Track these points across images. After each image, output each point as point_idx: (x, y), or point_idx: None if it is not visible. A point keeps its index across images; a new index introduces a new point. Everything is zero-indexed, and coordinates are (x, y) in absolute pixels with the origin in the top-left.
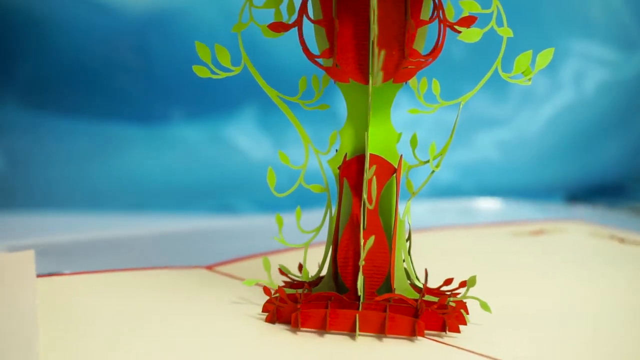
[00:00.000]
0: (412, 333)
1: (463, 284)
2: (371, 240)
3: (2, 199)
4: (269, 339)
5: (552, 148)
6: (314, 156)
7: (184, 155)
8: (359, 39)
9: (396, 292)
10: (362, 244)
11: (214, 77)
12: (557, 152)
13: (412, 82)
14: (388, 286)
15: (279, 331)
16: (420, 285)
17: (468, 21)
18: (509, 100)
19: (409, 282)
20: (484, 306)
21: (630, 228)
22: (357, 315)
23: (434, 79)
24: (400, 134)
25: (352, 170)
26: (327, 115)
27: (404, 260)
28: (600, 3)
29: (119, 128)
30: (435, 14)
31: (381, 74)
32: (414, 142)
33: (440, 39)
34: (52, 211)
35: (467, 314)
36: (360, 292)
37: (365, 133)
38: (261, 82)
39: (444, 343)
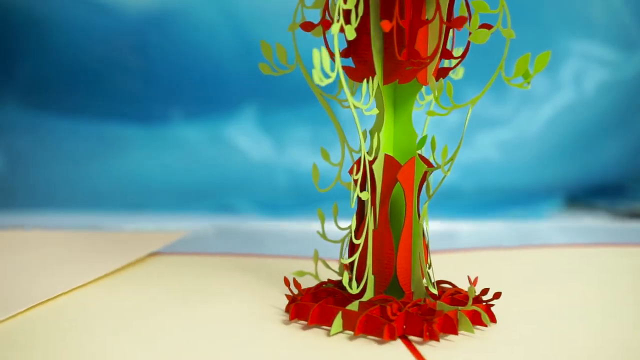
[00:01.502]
0: (380, 334)
1: (497, 296)
2: (346, 238)
3: (2, 199)
4: (254, 326)
5: (552, 148)
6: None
7: (184, 155)
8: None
9: (414, 295)
10: (371, 244)
11: (274, 74)
12: (557, 153)
13: (432, 83)
14: (396, 286)
15: (276, 321)
16: (434, 292)
17: (460, 22)
18: (509, 100)
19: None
20: (484, 318)
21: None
22: (340, 312)
23: (447, 82)
24: (424, 137)
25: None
26: (327, 117)
27: (430, 266)
28: (600, 3)
29: (119, 128)
30: (454, 15)
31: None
32: (432, 145)
33: (468, 42)
34: (52, 211)
35: (482, 324)
36: (350, 290)
37: (376, 134)
38: (309, 80)
39: (411, 349)
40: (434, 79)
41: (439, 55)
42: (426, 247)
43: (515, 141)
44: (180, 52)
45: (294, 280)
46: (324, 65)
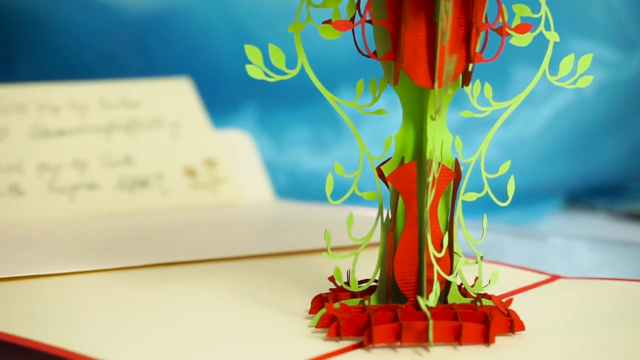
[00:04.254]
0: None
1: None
2: (328, 234)
3: None
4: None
5: (552, 148)
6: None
7: None
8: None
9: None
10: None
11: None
12: (556, 153)
13: (437, 88)
14: (397, 292)
15: (295, 313)
16: (430, 303)
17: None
18: (508, 100)
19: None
20: (429, 335)
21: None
22: (325, 307)
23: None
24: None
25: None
26: (327, 117)
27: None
28: (600, 3)
29: None
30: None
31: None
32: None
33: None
34: None
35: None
36: (347, 287)
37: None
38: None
39: (338, 351)
40: (438, 83)
41: (437, 57)
42: (441, 257)
43: (514, 141)
44: (181, 52)
45: (334, 277)
46: (276, 61)
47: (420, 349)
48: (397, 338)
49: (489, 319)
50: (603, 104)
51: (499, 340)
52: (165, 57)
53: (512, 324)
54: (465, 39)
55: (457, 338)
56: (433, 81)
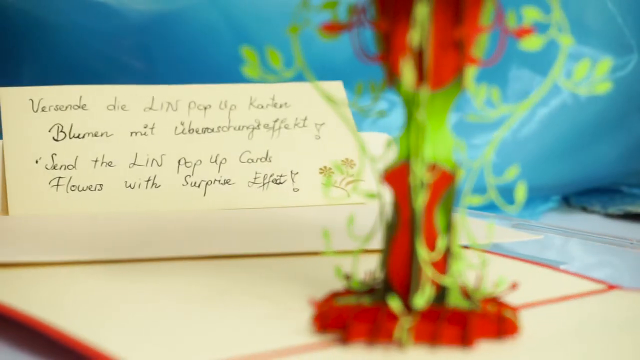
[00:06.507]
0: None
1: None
2: (326, 233)
3: None
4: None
5: (548, 150)
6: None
7: None
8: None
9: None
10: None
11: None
12: (552, 153)
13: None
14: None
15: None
16: (393, 306)
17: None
18: (506, 101)
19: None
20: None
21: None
22: (314, 304)
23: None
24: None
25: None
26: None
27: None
28: (595, 7)
29: None
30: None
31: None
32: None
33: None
34: None
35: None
36: (347, 284)
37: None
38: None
39: (311, 347)
40: (412, 84)
41: (426, 59)
42: (438, 259)
43: (511, 142)
44: (183, 54)
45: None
46: (275, 62)
47: (398, 349)
48: (372, 336)
49: (467, 322)
50: (598, 106)
51: (489, 345)
52: (166, 58)
53: (501, 329)
54: (458, 41)
55: (434, 340)
56: (420, 83)
